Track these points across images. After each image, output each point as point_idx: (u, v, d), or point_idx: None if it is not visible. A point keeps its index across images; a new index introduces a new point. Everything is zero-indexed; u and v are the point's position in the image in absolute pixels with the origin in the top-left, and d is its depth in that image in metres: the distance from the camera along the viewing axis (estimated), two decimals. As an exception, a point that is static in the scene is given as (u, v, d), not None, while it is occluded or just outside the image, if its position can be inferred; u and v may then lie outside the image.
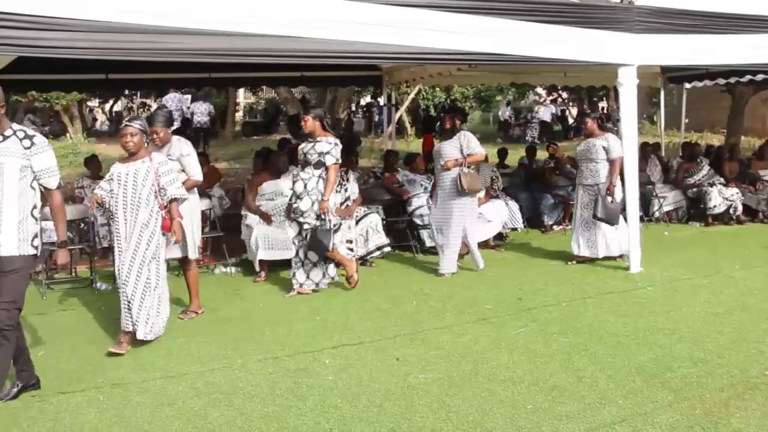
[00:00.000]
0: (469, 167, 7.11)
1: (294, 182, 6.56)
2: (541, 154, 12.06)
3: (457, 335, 5.26)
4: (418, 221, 8.43)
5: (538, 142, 20.85)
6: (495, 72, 12.39)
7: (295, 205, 6.48)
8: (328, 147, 6.39)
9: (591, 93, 25.85)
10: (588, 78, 13.28)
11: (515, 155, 13.07)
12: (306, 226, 6.45)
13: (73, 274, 7.51)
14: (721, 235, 9.50)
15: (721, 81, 12.97)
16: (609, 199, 7.46)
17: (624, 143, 7.20)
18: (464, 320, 5.65)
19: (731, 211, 10.21)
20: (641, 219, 8.34)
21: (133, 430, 3.81)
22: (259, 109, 29.60)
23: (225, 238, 7.95)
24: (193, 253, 5.97)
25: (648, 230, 9.36)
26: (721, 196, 10.17)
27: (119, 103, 32.11)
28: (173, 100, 17.62)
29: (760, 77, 11.41)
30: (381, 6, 5.96)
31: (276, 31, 5.61)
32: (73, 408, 4.10)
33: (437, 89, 24.41)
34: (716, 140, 19.75)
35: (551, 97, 30.33)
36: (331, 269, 6.76)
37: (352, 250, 7.73)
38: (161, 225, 5.14)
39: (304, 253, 6.62)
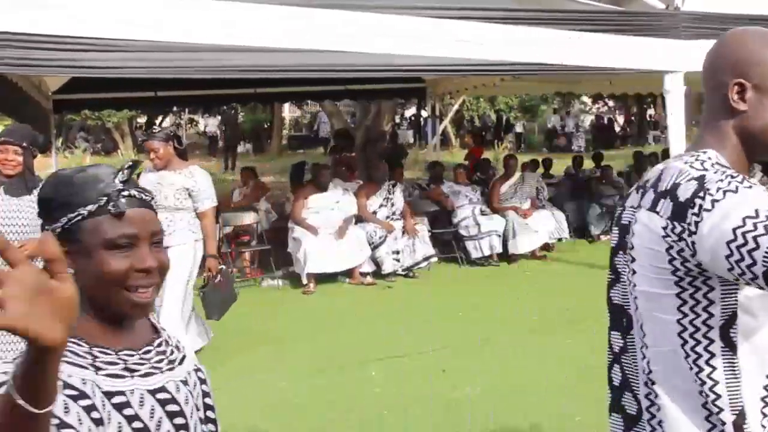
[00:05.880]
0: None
1: None
2: (588, 164, 11.92)
3: (504, 347, 5.23)
4: (463, 232, 8.41)
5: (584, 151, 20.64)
6: (540, 81, 12.31)
7: None
8: None
9: (641, 100, 25.48)
10: (634, 85, 13.11)
11: (560, 165, 12.95)
12: None
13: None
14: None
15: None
16: (215, 277, 4.76)
17: (672, 151, 7.07)
18: (511, 332, 5.61)
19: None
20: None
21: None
22: (305, 123, 29.92)
23: (272, 251, 8.06)
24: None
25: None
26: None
27: (167, 119, 32.79)
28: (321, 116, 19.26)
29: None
30: (424, 18, 6.00)
31: (320, 46, 5.68)
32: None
33: (481, 100, 24.35)
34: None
35: (597, 105, 30.04)
36: None
37: (398, 260, 7.76)
38: None
39: None
